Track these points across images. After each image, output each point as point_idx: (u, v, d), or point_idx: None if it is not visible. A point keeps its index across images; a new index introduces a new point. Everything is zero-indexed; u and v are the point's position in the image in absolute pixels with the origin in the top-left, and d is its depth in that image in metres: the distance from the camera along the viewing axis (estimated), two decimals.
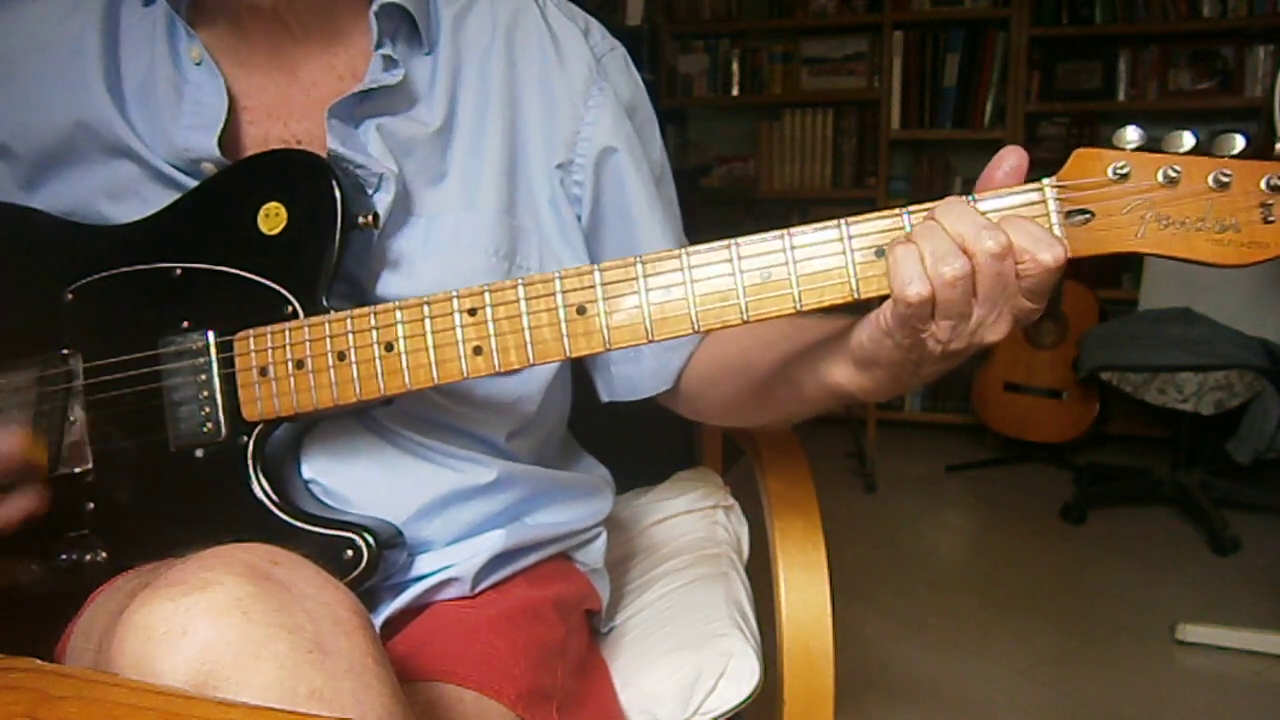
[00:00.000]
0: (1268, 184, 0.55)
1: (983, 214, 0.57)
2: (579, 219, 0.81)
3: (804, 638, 0.82)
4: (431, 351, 0.65)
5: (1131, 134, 0.57)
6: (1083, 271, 3.12)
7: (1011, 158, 0.59)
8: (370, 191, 0.72)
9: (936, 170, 3.47)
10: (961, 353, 0.58)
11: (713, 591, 0.96)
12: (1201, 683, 1.86)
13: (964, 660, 1.95)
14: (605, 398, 0.87)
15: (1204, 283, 2.50)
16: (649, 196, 0.83)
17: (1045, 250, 0.55)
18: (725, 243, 0.61)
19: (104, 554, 0.72)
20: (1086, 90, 3.27)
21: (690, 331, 0.62)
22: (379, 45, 0.73)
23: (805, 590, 0.84)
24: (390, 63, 0.73)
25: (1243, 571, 2.33)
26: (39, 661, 0.43)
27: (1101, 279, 3.17)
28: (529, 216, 0.78)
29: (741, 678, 0.83)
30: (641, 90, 0.86)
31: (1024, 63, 3.25)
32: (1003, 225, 0.56)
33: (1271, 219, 0.55)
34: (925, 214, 0.58)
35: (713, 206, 3.29)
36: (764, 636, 0.89)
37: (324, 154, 0.71)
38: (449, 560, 0.76)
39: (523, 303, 0.63)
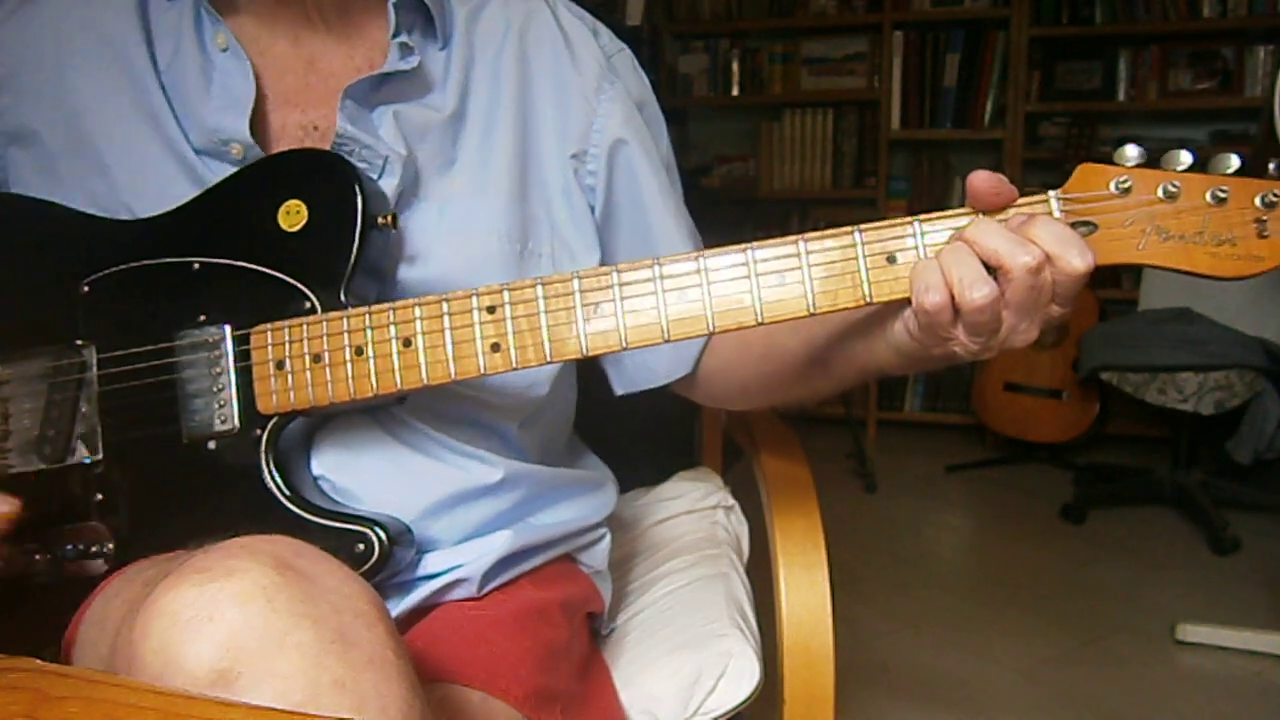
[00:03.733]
0: (1262, 200, 0.58)
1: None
2: (592, 209, 0.83)
3: (804, 638, 0.82)
4: (450, 348, 0.66)
5: (1131, 152, 0.60)
6: None
7: (983, 185, 0.60)
8: (376, 175, 0.73)
9: (936, 170, 3.47)
10: (992, 355, 0.61)
11: (713, 591, 0.96)
12: (1201, 683, 1.86)
13: (964, 660, 1.95)
14: (620, 390, 0.88)
15: (1204, 283, 2.48)
16: (660, 186, 0.85)
17: (1076, 256, 0.56)
18: (741, 247, 0.63)
19: (111, 545, 0.72)
20: (1086, 90, 3.27)
21: (705, 332, 0.63)
22: (396, 34, 0.75)
23: (805, 590, 0.84)
24: (406, 50, 0.75)
25: (1243, 571, 2.33)
26: (39, 661, 0.43)
27: (1101, 279, 3.15)
28: (541, 205, 0.80)
29: (741, 678, 0.83)
30: (649, 89, 0.89)
31: (1024, 63, 3.25)
32: (1032, 228, 0.57)
33: (1266, 234, 0.58)
34: (951, 230, 0.60)
35: (713, 206, 3.29)
36: (764, 636, 0.89)
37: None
38: (457, 560, 0.76)
39: (541, 301, 0.64)
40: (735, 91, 3.62)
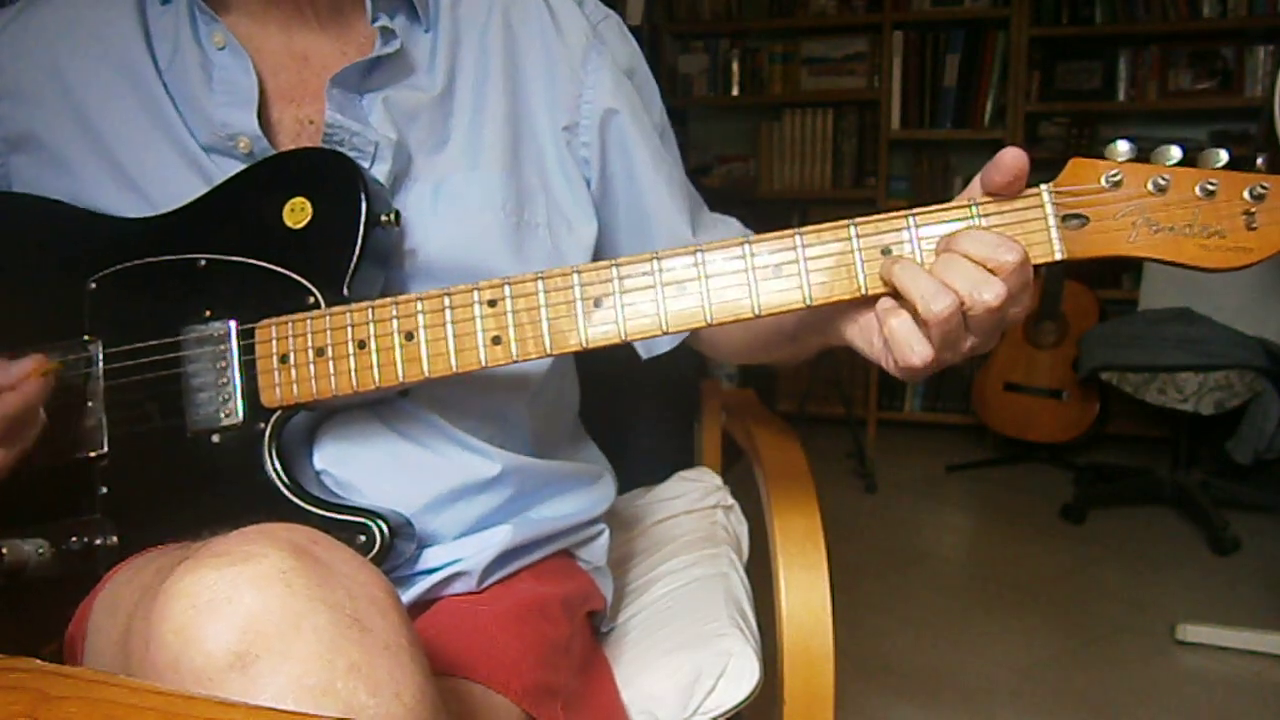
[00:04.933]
0: (1250, 193, 0.59)
1: (974, 257, 0.59)
2: (587, 182, 0.84)
3: (804, 638, 0.82)
4: (451, 341, 0.66)
5: (1123, 147, 0.61)
6: (1083, 271, 3.12)
7: (1011, 162, 0.61)
8: (368, 162, 0.74)
9: (936, 170, 3.47)
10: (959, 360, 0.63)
11: (713, 591, 0.96)
12: (1201, 683, 1.86)
13: (964, 660, 1.95)
14: (645, 356, 0.90)
15: (1204, 283, 2.50)
16: (654, 155, 0.86)
17: (989, 293, 0.58)
18: (738, 239, 0.64)
19: (115, 538, 0.72)
20: (1086, 90, 3.27)
21: (704, 324, 0.64)
22: (375, 19, 0.76)
23: (805, 590, 0.84)
24: (388, 34, 0.76)
25: (1243, 571, 2.33)
26: (39, 661, 0.43)
27: (1101, 279, 3.17)
28: (535, 176, 0.81)
29: (741, 677, 0.83)
30: (638, 54, 0.89)
31: (1024, 63, 3.25)
32: (948, 269, 0.59)
33: (1255, 225, 0.59)
34: (946, 222, 0.62)
35: (713, 207, 3.28)
36: (764, 636, 0.89)
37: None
38: (457, 554, 0.76)
39: (541, 295, 0.65)
40: (735, 91, 3.62)
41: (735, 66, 3.61)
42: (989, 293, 0.57)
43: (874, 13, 3.41)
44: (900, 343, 0.60)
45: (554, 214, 0.81)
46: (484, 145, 0.79)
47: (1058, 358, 3.02)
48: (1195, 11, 3.12)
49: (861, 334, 0.65)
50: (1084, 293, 3.03)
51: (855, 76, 3.50)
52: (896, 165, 3.52)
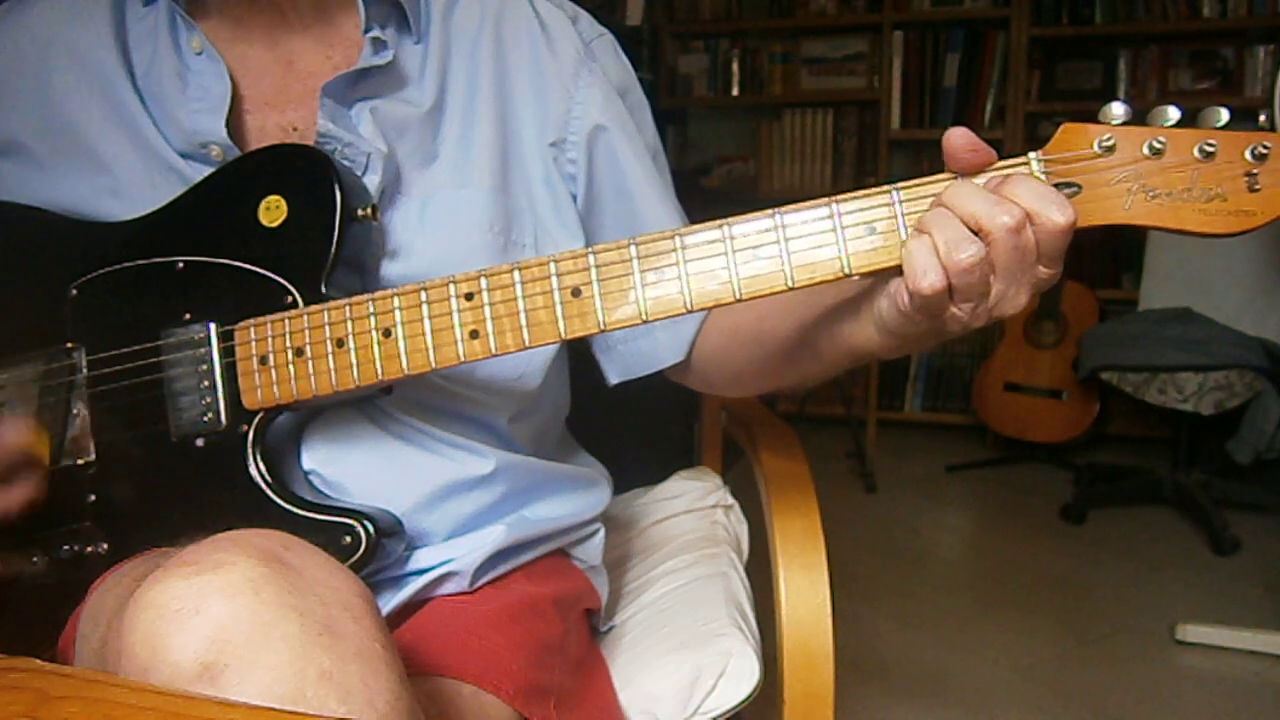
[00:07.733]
0: (1252, 153, 0.56)
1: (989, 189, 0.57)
2: (574, 198, 0.82)
3: (804, 638, 0.82)
4: (429, 336, 0.65)
5: (1117, 109, 0.58)
6: (1083, 271, 3.13)
7: (956, 145, 0.59)
8: (359, 172, 0.73)
9: (936, 170, 3.41)
10: (982, 323, 0.59)
11: (712, 591, 0.96)
12: (1201, 683, 1.86)
13: (964, 660, 1.95)
14: (614, 379, 0.87)
15: (1204, 283, 2.49)
16: (645, 171, 0.84)
17: (1057, 211, 0.55)
18: (717, 223, 0.62)
19: (105, 545, 0.72)
20: (1086, 90, 3.27)
21: (684, 311, 0.62)
22: (368, 29, 0.75)
23: (805, 590, 0.84)
24: (380, 45, 0.75)
25: (1243, 571, 2.33)
26: (39, 661, 0.43)
27: (1101, 279, 3.17)
28: (523, 196, 0.80)
29: (741, 677, 0.83)
30: (632, 76, 0.88)
31: (1024, 63, 3.25)
32: (1009, 187, 0.56)
33: (1257, 187, 0.56)
34: (931, 198, 0.59)
35: (713, 206, 3.28)
36: (764, 636, 0.89)
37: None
38: (449, 555, 0.76)
39: (518, 286, 0.64)
40: (735, 91, 3.62)
41: (735, 66, 3.60)
42: (1005, 215, 0.55)
43: (874, 13, 3.41)
44: (914, 264, 0.56)
45: (541, 233, 0.80)
46: (473, 163, 0.77)
47: (1058, 358, 3.02)
48: (1195, 11, 3.11)
49: (896, 300, 0.60)
50: (1084, 293, 3.03)
51: (855, 76, 3.50)
52: (896, 165, 3.51)
